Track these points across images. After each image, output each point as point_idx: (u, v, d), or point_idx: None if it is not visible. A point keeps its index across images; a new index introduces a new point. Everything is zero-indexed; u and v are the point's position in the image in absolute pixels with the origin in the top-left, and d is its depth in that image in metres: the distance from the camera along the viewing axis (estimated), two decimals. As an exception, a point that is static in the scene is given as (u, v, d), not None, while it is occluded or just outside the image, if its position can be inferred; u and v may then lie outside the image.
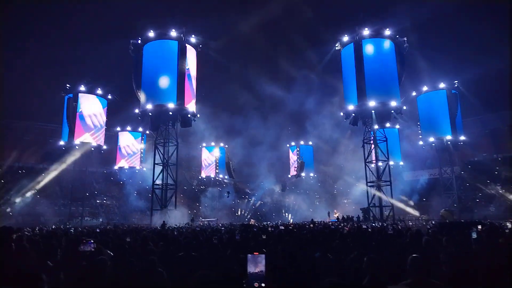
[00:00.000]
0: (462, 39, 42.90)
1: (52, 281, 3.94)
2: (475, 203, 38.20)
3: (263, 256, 2.56)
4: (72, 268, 4.53)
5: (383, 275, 4.97)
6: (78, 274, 4.31)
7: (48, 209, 39.33)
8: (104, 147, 39.78)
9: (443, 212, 31.30)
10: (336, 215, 35.30)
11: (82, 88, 37.16)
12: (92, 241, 4.73)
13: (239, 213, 50.65)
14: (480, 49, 41.31)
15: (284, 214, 49.38)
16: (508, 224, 12.95)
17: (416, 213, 35.15)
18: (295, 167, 51.22)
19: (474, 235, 8.99)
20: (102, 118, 39.03)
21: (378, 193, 31.26)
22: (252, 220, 39.16)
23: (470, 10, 42.74)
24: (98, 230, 15.22)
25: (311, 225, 18.56)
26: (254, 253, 2.57)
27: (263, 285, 2.52)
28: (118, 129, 46.11)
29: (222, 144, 51.60)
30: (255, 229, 13.79)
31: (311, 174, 52.55)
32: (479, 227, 10.25)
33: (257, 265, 2.54)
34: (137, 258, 6.03)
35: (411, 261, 3.98)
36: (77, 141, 36.27)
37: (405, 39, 32.28)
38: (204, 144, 52.64)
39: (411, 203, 38.42)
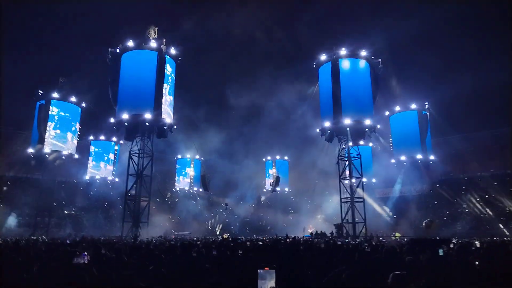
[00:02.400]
0: (434, 61, 44.94)
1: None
2: (443, 221, 39.44)
3: (273, 271, 2.56)
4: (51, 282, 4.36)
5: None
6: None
7: (12, 219, 37.54)
8: (75, 156, 38.54)
9: (431, 224, 31.47)
10: (310, 231, 35.48)
11: (55, 95, 36.11)
12: (85, 253, 4.57)
13: (213, 227, 50.04)
14: (451, 71, 43.39)
15: (258, 229, 49.14)
16: (476, 242, 13.48)
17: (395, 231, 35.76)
18: (270, 181, 51.34)
19: (441, 253, 9.33)
20: (75, 127, 37.94)
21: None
22: (225, 234, 38.72)
23: (444, 31, 44.98)
24: (68, 242, 14.66)
25: (287, 240, 18.56)
26: (265, 268, 2.56)
27: None
28: (91, 138, 44.92)
29: (197, 157, 51.18)
30: (231, 244, 13.66)
31: (286, 189, 52.81)
32: (451, 245, 10.61)
33: (267, 280, 2.53)
34: (114, 272, 5.87)
35: (393, 278, 4.08)
36: (47, 149, 35.00)
37: (380, 60, 33.48)
38: (179, 156, 52.07)
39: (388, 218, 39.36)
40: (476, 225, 36.37)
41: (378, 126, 34.43)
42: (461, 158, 44.29)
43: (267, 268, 2.61)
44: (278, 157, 52.72)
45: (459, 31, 44.27)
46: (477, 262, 7.37)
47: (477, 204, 38.34)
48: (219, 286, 3.52)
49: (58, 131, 36.04)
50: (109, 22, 47.56)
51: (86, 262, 4.49)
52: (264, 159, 54.32)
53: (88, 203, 45.33)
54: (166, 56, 31.88)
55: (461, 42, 42.00)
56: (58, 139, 35.95)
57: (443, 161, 41.46)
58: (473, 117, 36.54)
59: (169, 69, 32.54)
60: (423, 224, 31.28)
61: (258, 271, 2.59)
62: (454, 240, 15.68)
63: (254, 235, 37.06)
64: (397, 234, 32.41)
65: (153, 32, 32.94)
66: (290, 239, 20.43)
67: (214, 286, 3.57)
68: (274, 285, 2.54)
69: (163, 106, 31.10)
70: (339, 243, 15.08)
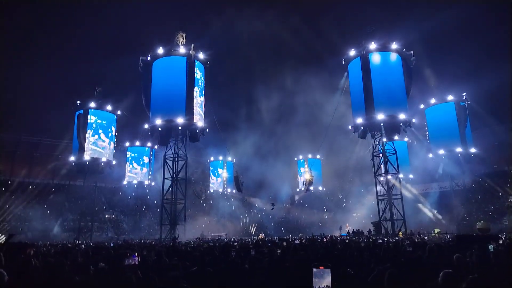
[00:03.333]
0: (470, 51, 42.83)
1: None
2: (488, 216, 37.54)
3: (328, 270, 2.53)
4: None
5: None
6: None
7: (57, 225, 39.48)
8: (114, 162, 39.98)
9: (482, 224, 29.84)
10: (347, 229, 34.90)
11: (92, 104, 37.62)
12: (136, 254, 4.72)
13: (248, 227, 50.32)
14: (488, 61, 41.20)
15: (294, 228, 48.92)
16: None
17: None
18: (303, 181, 50.92)
19: (491, 249, 8.86)
20: (112, 134, 39.39)
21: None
22: (261, 234, 38.84)
23: (479, 21, 42.87)
24: (111, 245, 15.19)
25: (324, 240, 18.35)
26: (320, 267, 2.54)
27: None
28: (127, 144, 46.45)
29: (230, 158, 51.67)
30: (269, 244, 13.66)
31: (320, 188, 52.18)
32: (500, 242, 10.07)
33: (322, 279, 2.51)
34: (158, 274, 6.01)
35: (443, 277, 3.92)
36: (86, 156, 36.53)
37: (412, 52, 32.41)
38: (212, 159, 52.78)
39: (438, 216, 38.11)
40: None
41: (413, 120, 33.31)
42: (505, 150, 41.98)
43: (322, 267, 2.57)
44: (310, 155, 52.19)
45: (498, 18, 41.91)
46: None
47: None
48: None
49: (96, 139, 37.54)
50: (139, 30, 49.00)
51: (136, 263, 4.62)
52: (296, 158, 53.98)
53: (127, 207, 46.92)
54: (195, 61, 32.43)
55: (501, 29, 39.77)
56: (96, 147, 37.45)
57: (485, 153, 39.47)
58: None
59: (198, 73, 33.09)
60: (477, 227, 29.65)
61: (313, 270, 2.56)
62: (502, 236, 14.90)
63: (290, 235, 36.91)
64: (436, 230, 31.20)
65: (181, 38, 33.62)
66: (327, 238, 20.17)
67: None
68: (330, 283, 2.49)
69: (194, 110, 31.66)
70: (379, 241, 14.69)
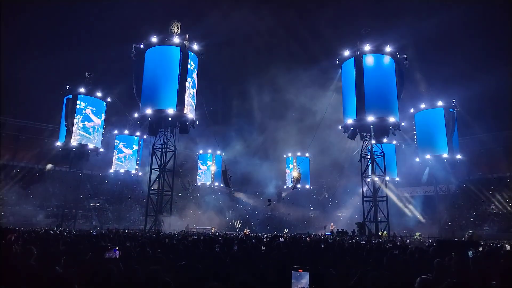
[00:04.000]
0: (461, 58, 43.41)
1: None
2: (470, 222, 38.34)
3: (307, 273, 2.57)
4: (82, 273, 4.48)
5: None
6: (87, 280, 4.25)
7: (40, 210, 38.96)
8: (101, 150, 39.53)
9: (472, 235, 30.20)
10: (332, 228, 35.22)
11: (82, 90, 37.07)
12: (117, 248, 4.66)
13: (233, 222, 50.41)
14: (479, 68, 41.77)
15: (278, 225, 49.18)
16: (506, 245, 12.95)
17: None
18: (291, 178, 51.18)
19: (471, 255, 9.07)
20: (100, 121, 38.90)
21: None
22: (246, 230, 38.94)
23: (471, 29, 43.38)
24: (94, 233, 15.07)
25: (308, 238, 18.49)
26: (299, 270, 2.58)
27: None
28: (116, 132, 45.94)
29: (219, 152, 51.61)
30: (253, 241, 13.71)
31: (307, 186, 52.51)
32: (480, 248, 10.28)
33: (300, 282, 2.55)
34: (140, 265, 5.96)
35: (420, 283, 3.97)
36: (74, 142, 36.04)
37: (405, 56, 32.66)
38: (200, 151, 52.63)
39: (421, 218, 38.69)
40: (505, 227, 35.12)
41: (403, 124, 33.66)
42: (489, 158, 42.86)
43: (301, 270, 2.63)
44: (299, 153, 52.43)
45: (488, 28, 42.50)
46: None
47: (506, 205, 37.02)
48: (246, 285, 3.53)
49: (84, 125, 37.01)
50: (133, 18, 48.30)
51: (117, 257, 4.58)
52: (284, 156, 54.16)
53: (113, 196, 46.53)
54: (189, 51, 32.15)
55: (490, 40, 40.40)
56: (84, 133, 36.93)
57: (470, 160, 40.19)
58: (503, 115, 35.11)
59: (192, 65, 32.81)
60: (466, 236, 30.08)
61: (292, 272, 2.63)
62: (482, 243, 15.20)
63: (275, 232, 37.10)
64: (417, 233, 31.74)
65: (176, 28, 33.26)
66: (311, 237, 20.33)
67: (242, 286, 3.58)
68: (307, 285, 2.57)
69: (185, 101, 31.44)
70: (362, 242, 14.88)
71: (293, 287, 2.64)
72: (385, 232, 29.30)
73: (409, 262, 7.82)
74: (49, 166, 41.89)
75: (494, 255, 9.44)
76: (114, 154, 46.01)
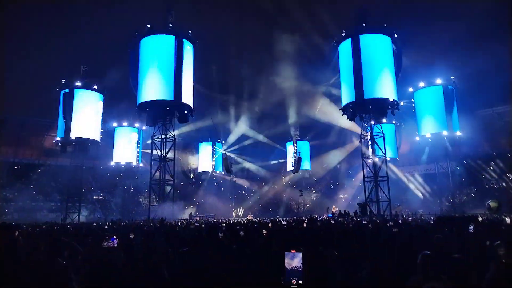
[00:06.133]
0: (460, 34, 42.80)
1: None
2: (471, 199, 38.55)
3: (300, 253, 2.62)
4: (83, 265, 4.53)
5: (390, 271, 5.02)
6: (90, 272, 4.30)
7: (44, 205, 39.23)
8: (100, 142, 39.49)
9: (492, 204, 30.23)
10: (334, 210, 35.52)
11: (78, 83, 36.80)
12: (114, 237, 4.69)
13: (236, 208, 50.79)
14: (480, 43, 41.20)
15: (281, 209, 49.59)
16: (507, 219, 13.04)
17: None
18: (292, 162, 51.34)
19: (471, 230, 9.16)
20: (99, 114, 38.72)
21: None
22: (249, 215, 39.30)
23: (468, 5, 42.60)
24: (98, 225, 15.17)
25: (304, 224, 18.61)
26: (292, 250, 2.64)
27: (300, 282, 2.60)
28: (115, 124, 45.83)
29: (219, 140, 51.62)
30: (255, 225, 13.83)
31: (308, 169, 52.70)
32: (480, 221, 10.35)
33: (293, 262, 2.62)
34: (143, 256, 6.03)
35: (421, 258, 4.00)
36: (73, 136, 35.99)
37: (402, 35, 32.36)
38: (200, 140, 52.66)
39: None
40: (506, 201, 35.33)
41: (402, 103, 33.56)
42: (490, 134, 42.76)
43: (294, 251, 2.70)
44: (299, 137, 52.43)
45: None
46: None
47: (507, 180, 37.18)
48: (245, 269, 3.57)
49: (82, 118, 36.85)
50: (127, 7, 47.58)
51: (115, 245, 4.61)
52: (285, 140, 54.15)
53: (115, 188, 46.74)
54: (184, 40, 31.82)
55: (489, 12, 39.68)
56: (83, 126, 36.79)
57: (471, 137, 40.16)
58: (503, 90, 34.78)
59: (187, 53, 32.54)
60: (487, 205, 30.18)
61: (285, 253, 2.70)
62: (480, 218, 15.31)
63: (277, 216, 37.42)
64: (420, 211, 32.16)
65: (170, 17, 32.86)
66: (312, 220, 20.48)
67: (242, 269, 3.62)
68: (300, 263, 2.66)
69: (182, 90, 31.28)
70: (364, 222, 15.01)
71: (286, 266, 2.70)
72: (386, 211, 29.58)
73: (410, 239, 7.89)
74: None
75: (495, 229, 9.53)
76: (114, 146, 46.02)
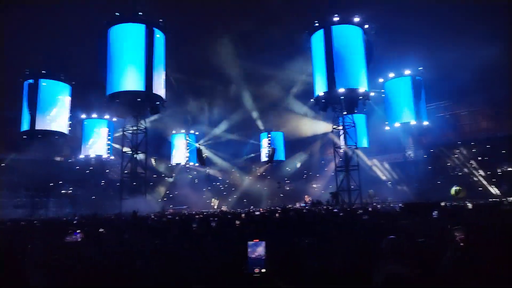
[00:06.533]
0: (430, 25, 43.89)
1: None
2: (437, 186, 40.09)
3: (263, 242, 2.65)
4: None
5: (358, 257, 5.16)
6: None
7: (9, 201, 37.64)
8: (68, 135, 38.16)
9: (458, 191, 31.62)
10: (307, 200, 36.08)
11: (44, 73, 35.28)
12: (78, 231, 4.56)
13: (210, 200, 50.60)
14: (447, 35, 42.40)
15: (255, 200, 49.82)
16: (469, 204, 13.74)
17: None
18: (266, 153, 51.60)
19: (435, 215, 9.60)
20: (66, 105, 37.34)
21: None
22: (223, 207, 39.30)
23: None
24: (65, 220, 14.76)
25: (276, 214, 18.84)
26: (254, 240, 2.66)
27: (263, 270, 2.63)
28: (83, 116, 44.37)
29: (192, 131, 51.05)
30: (229, 216, 13.88)
31: (282, 160, 53.14)
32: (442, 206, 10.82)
33: (256, 251, 2.64)
34: (112, 251, 5.91)
35: (385, 243, 4.13)
36: (38, 128, 34.57)
37: (374, 26, 32.88)
38: (173, 131, 51.91)
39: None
40: (469, 188, 37.05)
41: (372, 94, 34.31)
42: (455, 123, 44.51)
43: (257, 240, 2.75)
44: (273, 128, 52.68)
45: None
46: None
47: (470, 167, 38.93)
48: (215, 258, 3.58)
49: (48, 110, 35.45)
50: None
51: (78, 240, 4.50)
52: (259, 131, 54.26)
53: (85, 182, 45.39)
54: (154, 28, 31.05)
55: (457, 6, 40.90)
56: (49, 118, 35.42)
57: (437, 126, 41.67)
58: (468, 81, 36.13)
59: (158, 42, 31.81)
60: (453, 191, 31.63)
61: (248, 243, 2.74)
62: (442, 204, 15.97)
63: (252, 207, 37.61)
64: (389, 199, 33.30)
65: (140, 5, 31.91)
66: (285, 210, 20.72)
67: (212, 258, 3.63)
68: (263, 252, 2.72)
69: (154, 80, 30.63)
70: (335, 210, 15.36)
71: (249, 255, 2.74)
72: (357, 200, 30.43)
73: (378, 226, 8.14)
74: None
75: (457, 214, 10.00)
76: (82, 139, 44.60)
